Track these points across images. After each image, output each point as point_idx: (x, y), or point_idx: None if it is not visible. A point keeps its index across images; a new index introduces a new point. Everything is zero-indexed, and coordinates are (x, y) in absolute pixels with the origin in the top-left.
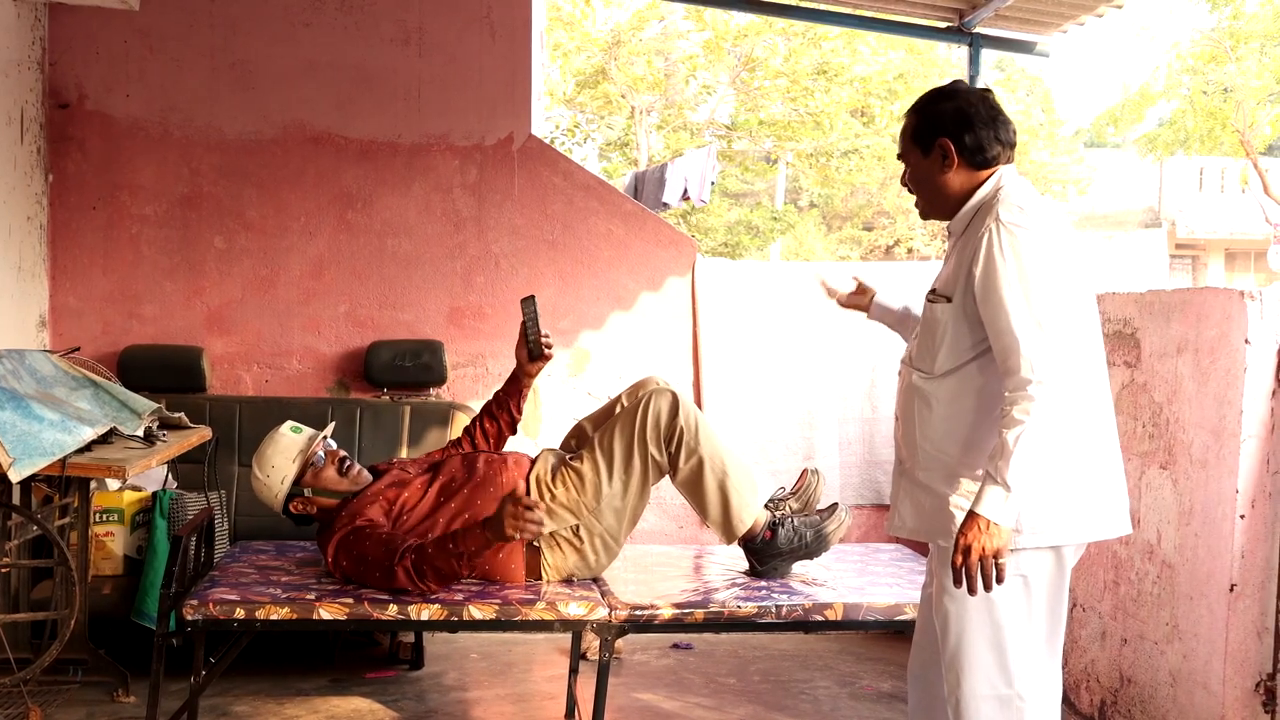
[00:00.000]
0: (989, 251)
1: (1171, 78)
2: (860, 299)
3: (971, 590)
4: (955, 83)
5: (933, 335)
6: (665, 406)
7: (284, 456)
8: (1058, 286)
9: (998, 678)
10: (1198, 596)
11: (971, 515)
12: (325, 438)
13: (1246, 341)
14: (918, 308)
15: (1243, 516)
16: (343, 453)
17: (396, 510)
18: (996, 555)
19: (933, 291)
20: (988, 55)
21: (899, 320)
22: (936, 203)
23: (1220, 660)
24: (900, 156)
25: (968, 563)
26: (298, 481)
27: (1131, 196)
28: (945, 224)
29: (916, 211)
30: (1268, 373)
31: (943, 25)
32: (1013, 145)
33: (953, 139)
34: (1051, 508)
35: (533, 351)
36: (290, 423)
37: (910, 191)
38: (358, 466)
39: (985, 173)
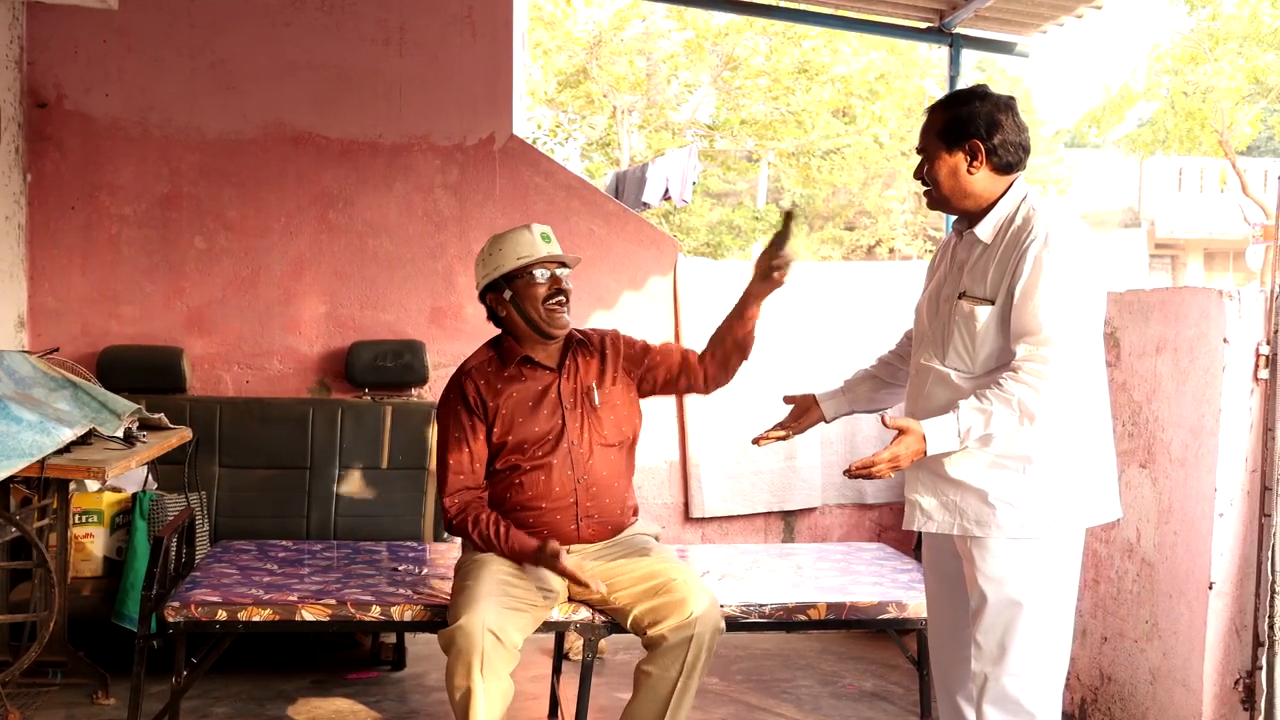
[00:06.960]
0: (1038, 262)
1: (1151, 78)
2: (810, 415)
3: (849, 474)
4: (982, 86)
5: (968, 335)
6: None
7: (512, 247)
8: (1092, 303)
9: (1026, 658)
10: (1177, 594)
11: (919, 437)
12: (567, 266)
13: (1225, 341)
14: (856, 365)
15: (1221, 515)
16: (568, 287)
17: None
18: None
19: (963, 294)
20: (968, 56)
21: (864, 397)
22: (955, 199)
23: (1199, 658)
24: (920, 150)
25: (879, 469)
26: (509, 280)
27: (1111, 196)
28: (936, 222)
29: (896, 212)
30: (1246, 372)
31: (923, 26)
32: (1029, 153)
33: (983, 141)
34: (1081, 494)
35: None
36: (546, 229)
37: (924, 184)
38: (568, 317)
39: (1006, 178)
